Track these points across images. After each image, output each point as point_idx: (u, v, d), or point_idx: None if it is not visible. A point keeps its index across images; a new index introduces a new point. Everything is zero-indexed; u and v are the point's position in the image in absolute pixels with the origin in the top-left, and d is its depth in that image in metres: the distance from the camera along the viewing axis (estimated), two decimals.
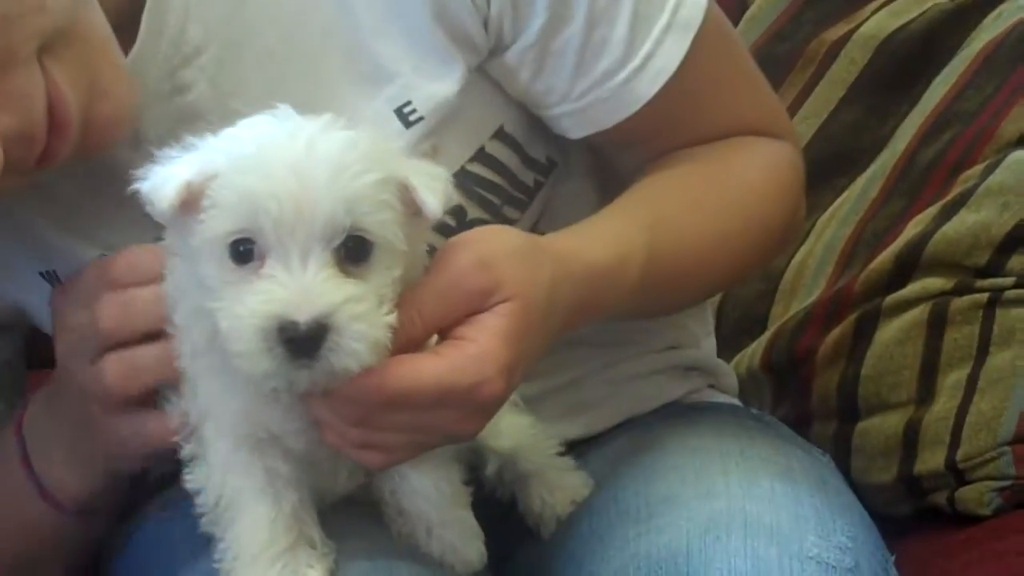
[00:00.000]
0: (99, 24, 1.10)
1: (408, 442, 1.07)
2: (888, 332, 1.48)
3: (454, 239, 1.08)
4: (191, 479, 1.09)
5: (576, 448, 1.33)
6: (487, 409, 1.07)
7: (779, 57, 1.80)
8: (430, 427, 1.05)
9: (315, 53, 1.19)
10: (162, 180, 1.01)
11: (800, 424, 1.54)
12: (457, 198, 1.06)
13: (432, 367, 1.02)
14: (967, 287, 1.48)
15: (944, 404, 1.42)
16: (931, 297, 1.47)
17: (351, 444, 1.06)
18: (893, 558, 1.20)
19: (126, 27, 1.14)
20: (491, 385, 1.04)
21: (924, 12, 1.70)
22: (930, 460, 1.40)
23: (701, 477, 1.18)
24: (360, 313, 0.98)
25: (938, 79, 1.66)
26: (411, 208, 1.02)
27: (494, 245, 1.07)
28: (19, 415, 1.22)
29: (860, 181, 1.68)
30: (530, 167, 1.29)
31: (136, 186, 1.02)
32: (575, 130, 1.27)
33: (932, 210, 1.53)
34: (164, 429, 1.10)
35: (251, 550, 1.07)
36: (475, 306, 1.05)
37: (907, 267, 1.50)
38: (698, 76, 1.27)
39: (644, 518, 1.16)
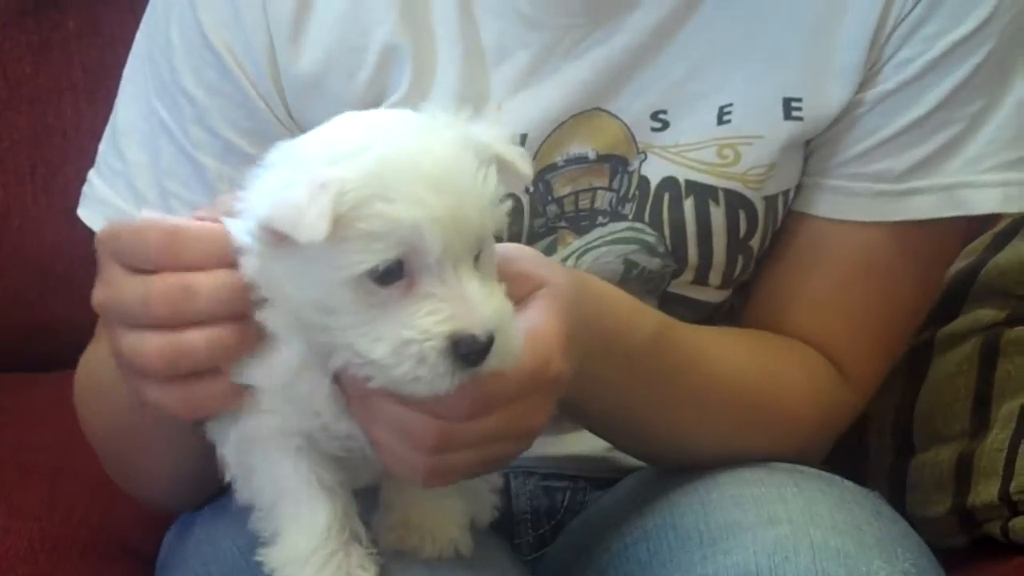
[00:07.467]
0: None
1: (482, 457, 1.03)
2: (942, 365, 1.47)
3: None
4: (242, 488, 1.07)
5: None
6: (553, 393, 1.03)
7: None
8: (510, 428, 1.01)
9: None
10: (291, 207, 0.92)
11: (857, 458, 1.53)
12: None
13: None
14: (1019, 317, 1.46)
15: (997, 435, 1.40)
16: (983, 329, 1.46)
17: (423, 472, 1.01)
18: None
19: None
20: (557, 363, 1.01)
21: None
22: (983, 492, 1.38)
23: (761, 505, 1.17)
24: (511, 313, 0.97)
25: None
26: None
27: (516, 251, 1.07)
28: None
29: None
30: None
31: (241, 207, 0.97)
32: (824, 206, 1.28)
33: (984, 239, 1.52)
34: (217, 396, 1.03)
35: (305, 551, 1.04)
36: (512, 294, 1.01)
37: (958, 298, 1.49)
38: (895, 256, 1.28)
39: (708, 543, 1.14)
